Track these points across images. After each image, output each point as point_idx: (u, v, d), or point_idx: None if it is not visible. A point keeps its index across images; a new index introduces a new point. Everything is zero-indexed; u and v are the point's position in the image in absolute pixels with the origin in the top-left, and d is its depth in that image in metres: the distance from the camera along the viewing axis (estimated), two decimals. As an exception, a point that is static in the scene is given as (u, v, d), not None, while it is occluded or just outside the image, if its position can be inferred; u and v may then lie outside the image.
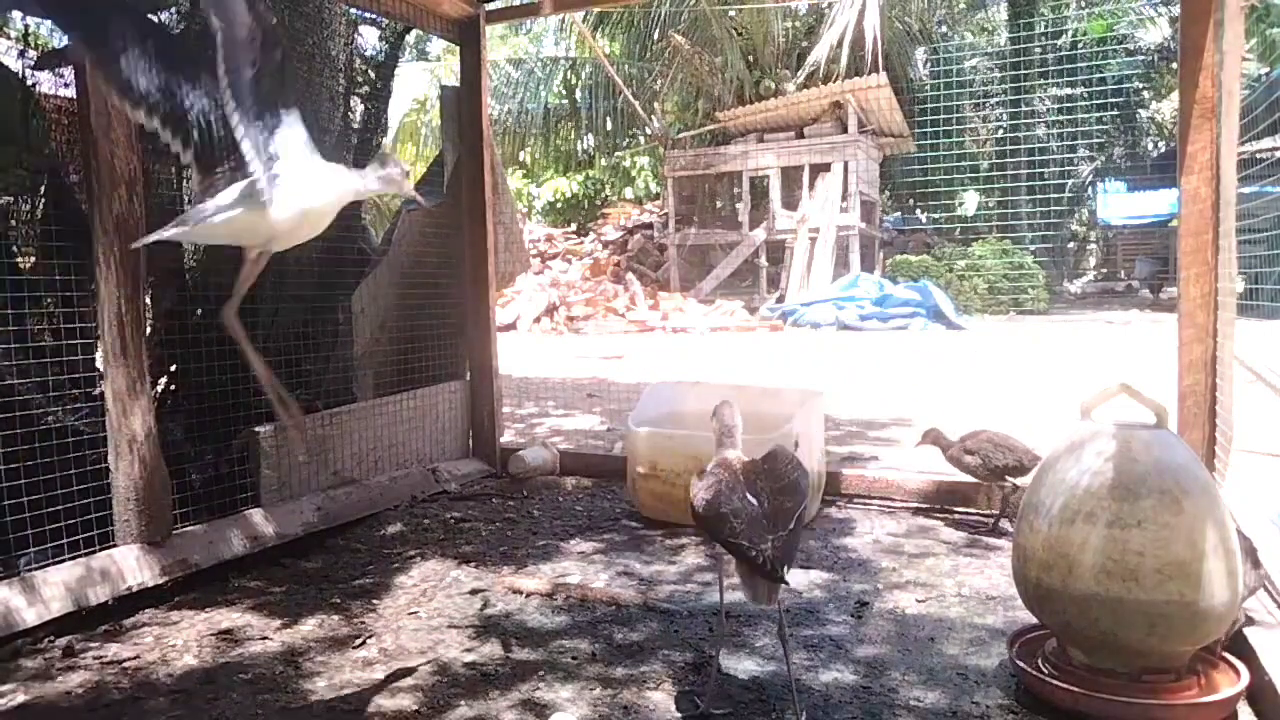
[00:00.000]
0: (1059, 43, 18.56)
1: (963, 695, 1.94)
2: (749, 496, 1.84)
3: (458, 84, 4.17)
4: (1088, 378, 5.34)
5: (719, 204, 20.74)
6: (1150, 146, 21.34)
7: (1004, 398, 6.17)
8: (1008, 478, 3.08)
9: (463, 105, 4.06)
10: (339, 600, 2.59)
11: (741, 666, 2.10)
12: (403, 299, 3.84)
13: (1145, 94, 20.44)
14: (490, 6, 4.08)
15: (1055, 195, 18.59)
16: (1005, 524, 3.09)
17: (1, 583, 2.25)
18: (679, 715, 1.88)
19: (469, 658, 2.18)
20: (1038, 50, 18.05)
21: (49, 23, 3.13)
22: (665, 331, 13.50)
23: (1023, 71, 17.84)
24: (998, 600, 2.48)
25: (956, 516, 3.29)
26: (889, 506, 3.43)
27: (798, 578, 2.68)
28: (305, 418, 3.22)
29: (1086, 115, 18.13)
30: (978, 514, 3.27)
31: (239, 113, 1.57)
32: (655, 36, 19.44)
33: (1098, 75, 17.98)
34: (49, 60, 2.87)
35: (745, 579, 1.79)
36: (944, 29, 21.03)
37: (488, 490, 3.84)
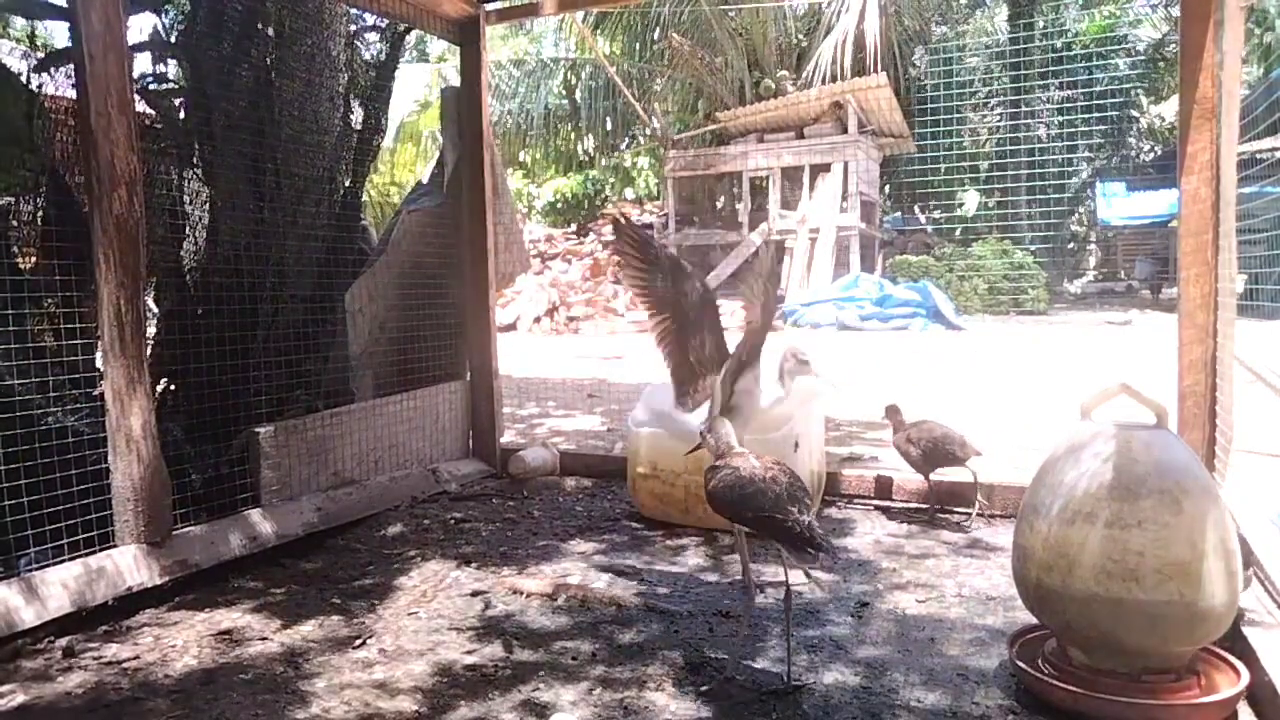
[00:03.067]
0: (1058, 43, 18.57)
1: (963, 695, 1.93)
2: (768, 476, 1.94)
3: (458, 84, 4.17)
4: (1088, 378, 5.34)
5: (719, 204, 20.74)
6: (1147, 148, 21.36)
7: (1004, 398, 6.17)
8: (944, 468, 3.20)
9: (463, 106, 4.06)
10: (339, 601, 2.59)
11: (742, 666, 2.10)
12: (402, 299, 3.83)
13: (1141, 95, 20.44)
14: (490, 6, 4.08)
15: (1055, 195, 18.60)
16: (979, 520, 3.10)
17: (1, 583, 2.25)
18: (684, 714, 1.88)
19: (469, 659, 2.18)
20: (1037, 50, 18.06)
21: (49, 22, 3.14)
22: (665, 332, 13.47)
23: (1023, 72, 17.85)
24: (998, 601, 2.48)
25: (895, 506, 3.39)
26: (889, 507, 3.43)
27: (797, 578, 2.67)
28: (305, 418, 3.22)
29: (1086, 115, 18.13)
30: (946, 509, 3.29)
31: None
32: (655, 36, 19.46)
33: (1097, 75, 17.99)
34: (51, 61, 2.88)
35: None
36: (944, 29, 21.04)
37: (488, 491, 3.84)
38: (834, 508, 3.44)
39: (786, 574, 2.03)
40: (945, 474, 3.30)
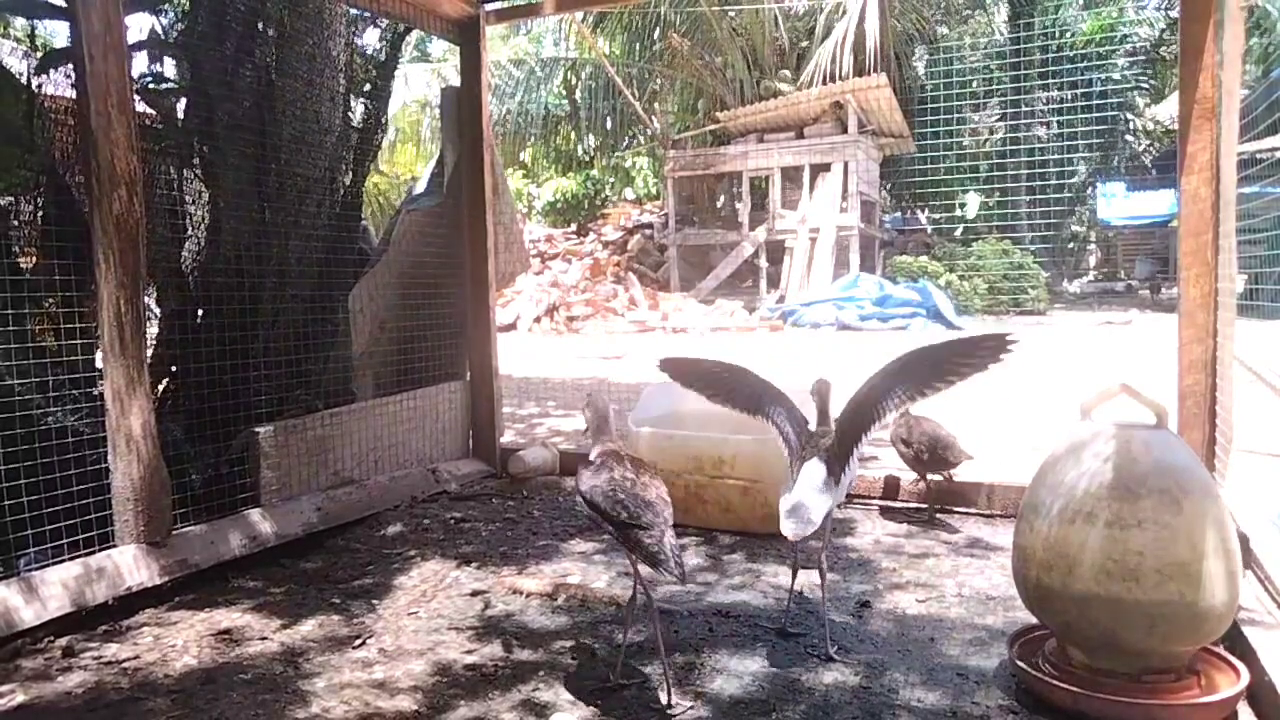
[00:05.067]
0: (1058, 43, 18.57)
1: (963, 695, 1.93)
2: (640, 482, 1.99)
3: (458, 84, 4.17)
4: (1088, 378, 5.34)
5: (719, 204, 20.74)
6: (1142, 147, 21.36)
7: (1004, 397, 6.17)
8: (937, 472, 3.23)
9: (463, 105, 4.07)
10: (339, 600, 2.59)
11: (743, 666, 2.10)
12: (403, 299, 3.83)
13: (1137, 96, 20.44)
14: (490, 7, 4.08)
15: (1055, 195, 18.59)
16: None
17: (1, 583, 2.25)
18: (684, 714, 1.88)
19: (469, 659, 2.18)
20: (1037, 51, 18.05)
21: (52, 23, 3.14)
22: (665, 332, 13.50)
23: (1023, 72, 17.84)
24: (998, 600, 2.48)
25: (895, 506, 3.44)
26: (889, 506, 3.43)
27: (799, 578, 2.67)
28: (305, 418, 3.22)
29: (1086, 115, 18.13)
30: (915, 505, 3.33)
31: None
32: (655, 37, 19.46)
33: (1096, 75, 17.98)
34: (51, 61, 2.88)
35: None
36: (944, 29, 21.02)
37: (488, 490, 3.84)
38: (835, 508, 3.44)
39: (638, 582, 2.02)
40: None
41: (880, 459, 4.15)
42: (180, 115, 3.29)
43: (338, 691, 2.01)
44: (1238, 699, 1.80)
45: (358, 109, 3.72)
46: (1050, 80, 18.54)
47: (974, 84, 18.81)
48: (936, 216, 20.59)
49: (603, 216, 21.44)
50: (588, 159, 23.63)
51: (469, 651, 2.22)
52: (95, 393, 2.65)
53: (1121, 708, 1.79)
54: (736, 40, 18.62)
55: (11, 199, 2.79)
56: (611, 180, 23.26)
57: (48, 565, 2.36)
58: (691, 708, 1.90)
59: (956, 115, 17.15)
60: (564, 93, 21.94)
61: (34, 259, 2.74)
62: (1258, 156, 2.96)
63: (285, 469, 3.12)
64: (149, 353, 2.68)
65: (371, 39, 3.90)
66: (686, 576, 1.88)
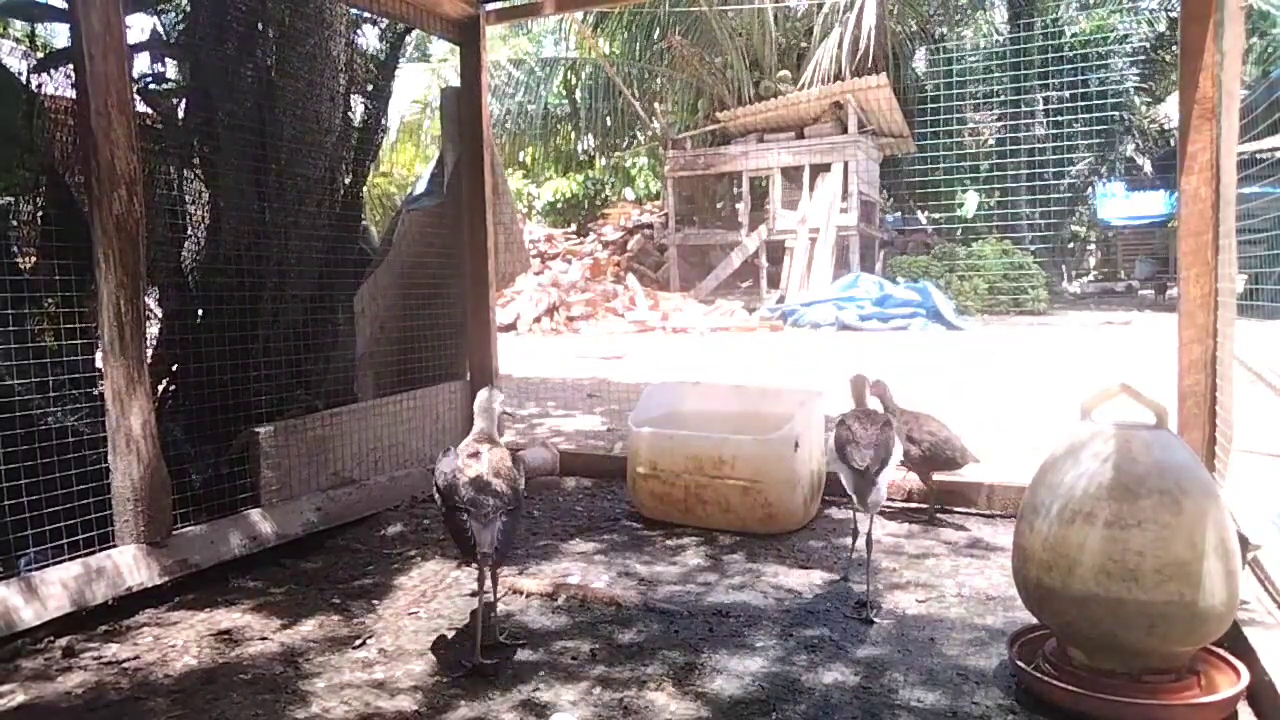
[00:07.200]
0: (1058, 42, 18.56)
1: (962, 695, 1.94)
2: (487, 473, 2.14)
3: (458, 84, 4.18)
4: (1088, 378, 5.34)
5: (719, 204, 20.74)
6: (1141, 148, 21.36)
7: (1004, 398, 6.17)
8: (942, 471, 3.25)
9: (463, 105, 4.07)
10: (339, 600, 2.59)
11: (743, 666, 2.10)
12: (403, 299, 3.83)
13: (1134, 95, 20.43)
14: (490, 7, 4.08)
15: (1055, 195, 18.58)
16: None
17: (1, 583, 2.25)
18: (684, 714, 1.88)
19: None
20: (1037, 50, 18.04)
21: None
22: (665, 332, 13.50)
23: (1023, 72, 17.83)
24: (998, 600, 2.48)
25: (897, 506, 3.43)
26: (889, 507, 3.43)
27: (798, 578, 2.68)
28: (305, 418, 3.22)
29: (1085, 115, 18.12)
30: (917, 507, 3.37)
31: None
32: (655, 37, 19.46)
33: (1096, 75, 17.97)
34: (51, 61, 2.88)
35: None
36: (944, 29, 21.01)
37: (488, 490, 3.83)
38: (834, 508, 3.44)
39: (493, 587, 2.19)
40: (947, 475, 3.30)
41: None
42: (180, 115, 3.29)
43: (338, 691, 2.02)
44: (1238, 699, 1.80)
45: (358, 109, 3.72)
46: (1050, 80, 18.52)
47: (974, 84, 18.80)
48: (936, 216, 20.57)
49: (603, 216, 21.43)
50: (588, 159, 23.62)
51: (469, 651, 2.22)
52: (95, 393, 2.65)
53: (1121, 708, 1.79)
54: (736, 40, 18.61)
55: (11, 199, 2.79)
56: (611, 180, 23.25)
57: (48, 565, 2.36)
58: (694, 707, 1.90)
59: (956, 115, 17.13)
60: (564, 93, 21.93)
61: (34, 259, 2.74)
62: (1258, 156, 2.96)
63: (285, 469, 3.12)
64: (149, 353, 2.68)
65: (371, 39, 3.90)
66: (491, 556, 2.04)
